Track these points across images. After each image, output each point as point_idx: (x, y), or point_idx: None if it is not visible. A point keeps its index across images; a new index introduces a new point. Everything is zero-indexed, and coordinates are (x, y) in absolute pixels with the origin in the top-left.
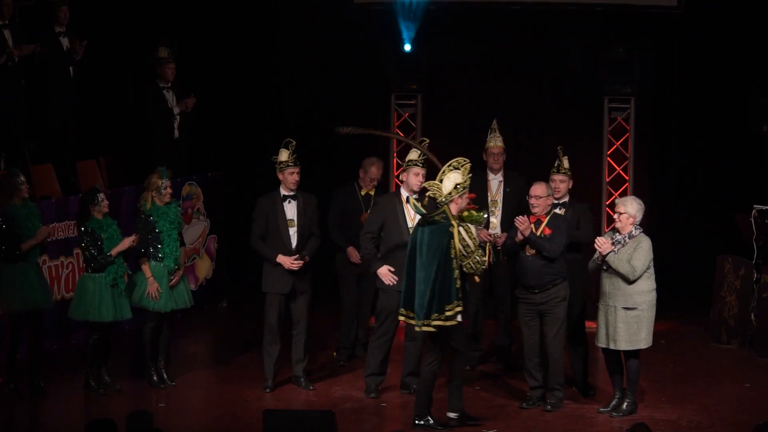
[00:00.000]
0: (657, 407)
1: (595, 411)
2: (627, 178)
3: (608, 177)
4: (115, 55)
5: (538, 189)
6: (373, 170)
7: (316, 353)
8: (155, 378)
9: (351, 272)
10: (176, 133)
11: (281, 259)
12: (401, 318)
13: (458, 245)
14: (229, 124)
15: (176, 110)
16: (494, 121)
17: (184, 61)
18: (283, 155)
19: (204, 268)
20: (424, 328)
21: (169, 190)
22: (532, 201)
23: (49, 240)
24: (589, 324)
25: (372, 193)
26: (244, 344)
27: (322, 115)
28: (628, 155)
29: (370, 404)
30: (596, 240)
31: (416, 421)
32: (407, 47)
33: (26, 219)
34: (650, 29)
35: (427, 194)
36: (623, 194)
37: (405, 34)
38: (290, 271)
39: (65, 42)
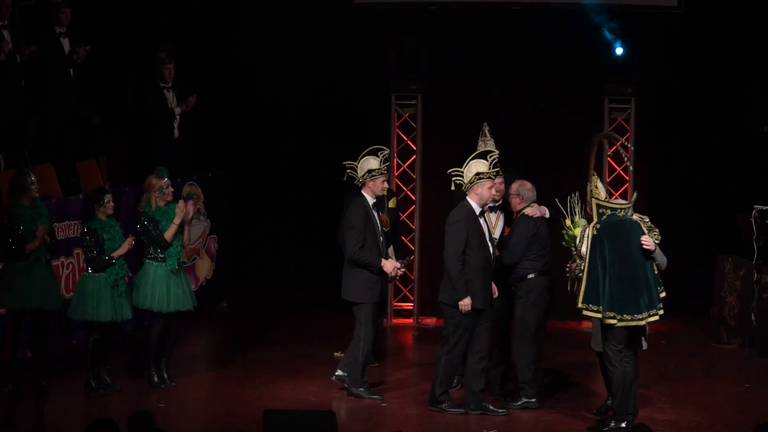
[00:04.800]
0: (657, 407)
1: (601, 412)
2: (627, 178)
3: (608, 177)
4: (115, 55)
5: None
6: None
7: (316, 353)
8: (155, 378)
9: None
10: (176, 133)
11: (388, 265)
12: (617, 321)
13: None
14: (229, 124)
15: (177, 110)
16: (485, 125)
17: (184, 61)
18: (374, 163)
19: (204, 268)
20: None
21: (170, 189)
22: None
23: (58, 238)
24: (587, 325)
25: (384, 193)
26: (244, 344)
27: (322, 116)
28: (628, 155)
29: (370, 404)
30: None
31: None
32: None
33: (31, 220)
34: (650, 29)
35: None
36: (623, 195)
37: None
38: (380, 280)
39: (66, 43)
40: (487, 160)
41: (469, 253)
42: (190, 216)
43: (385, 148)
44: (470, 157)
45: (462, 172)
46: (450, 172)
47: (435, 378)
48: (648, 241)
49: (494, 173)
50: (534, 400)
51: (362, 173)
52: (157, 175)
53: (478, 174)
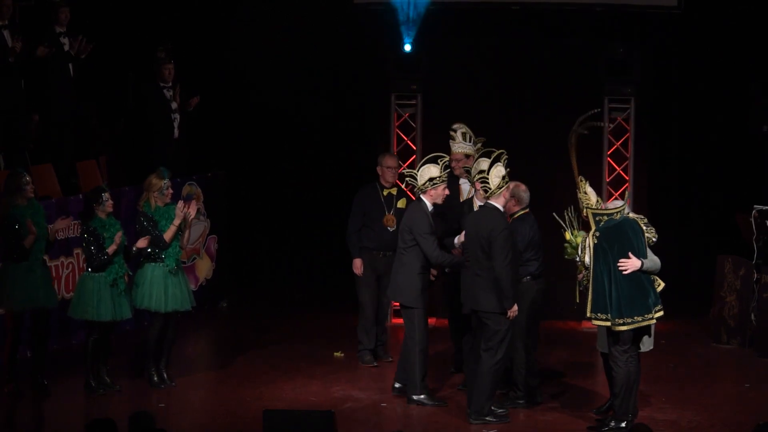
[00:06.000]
0: (657, 407)
1: (601, 412)
2: (627, 178)
3: (608, 177)
4: (115, 55)
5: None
6: (388, 160)
7: (316, 353)
8: (155, 378)
9: (369, 273)
10: (176, 133)
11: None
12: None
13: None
14: (229, 124)
15: (174, 105)
16: (453, 126)
17: (184, 61)
18: (434, 171)
19: (204, 268)
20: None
21: (170, 191)
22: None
23: (57, 237)
24: (587, 325)
25: (394, 192)
26: (244, 344)
27: (322, 116)
28: (628, 155)
29: (370, 404)
30: (624, 262)
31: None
32: (407, 47)
33: (31, 219)
34: (650, 29)
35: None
36: (623, 195)
37: (405, 35)
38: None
39: (66, 42)
40: (502, 162)
41: (513, 261)
42: (191, 217)
43: (444, 155)
44: (489, 164)
45: (489, 178)
46: (477, 179)
47: (479, 390)
48: (626, 264)
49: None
50: (522, 401)
51: (423, 181)
52: (158, 176)
53: (503, 178)
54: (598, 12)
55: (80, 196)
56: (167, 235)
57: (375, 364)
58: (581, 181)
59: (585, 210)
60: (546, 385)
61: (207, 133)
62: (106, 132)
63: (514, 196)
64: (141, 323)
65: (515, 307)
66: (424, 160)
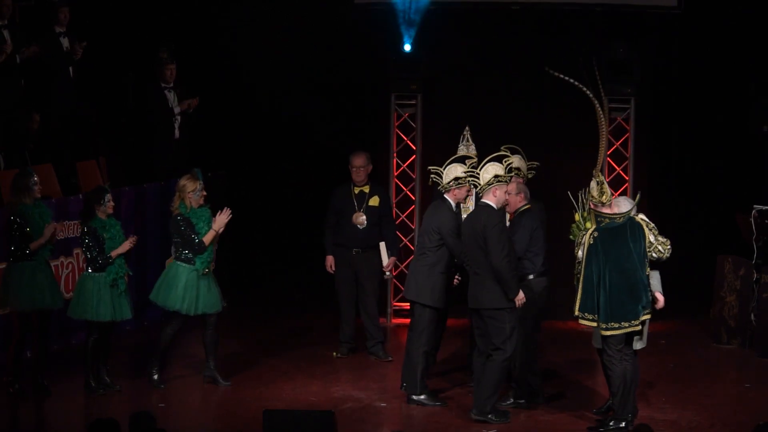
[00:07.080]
0: (657, 407)
1: (601, 412)
2: (627, 178)
3: (608, 177)
4: (115, 55)
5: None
6: (353, 160)
7: (316, 353)
8: (155, 378)
9: (345, 269)
10: (176, 133)
11: None
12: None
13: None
14: (229, 124)
15: (177, 110)
16: (466, 129)
17: (184, 61)
18: (460, 170)
19: None
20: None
21: (204, 192)
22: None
23: (57, 238)
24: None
25: (366, 190)
26: (244, 344)
27: (322, 115)
28: (628, 155)
29: (370, 404)
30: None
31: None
32: (407, 47)
33: (39, 218)
34: (650, 29)
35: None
36: (623, 194)
37: (405, 34)
38: None
39: (65, 42)
40: (503, 164)
41: (510, 254)
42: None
43: (471, 156)
44: (486, 160)
45: (478, 174)
46: (465, 172)
47: (483, 387)
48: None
49: (509, 177)
50: (523, 400)
51: (448, 180)
52: (194, 177)
53: (496, 176)
54: (598, 12)
55: (80, 196)
56: (207, 239)
57: (336, 354)
58: (599, 173)
59: (591, 212)
60: (546, 385)
61: (207, 133)
62: (107, 132)
63: (520, 191)
64: (141, 323)
65: (521, 294)
66: (450, 160)
